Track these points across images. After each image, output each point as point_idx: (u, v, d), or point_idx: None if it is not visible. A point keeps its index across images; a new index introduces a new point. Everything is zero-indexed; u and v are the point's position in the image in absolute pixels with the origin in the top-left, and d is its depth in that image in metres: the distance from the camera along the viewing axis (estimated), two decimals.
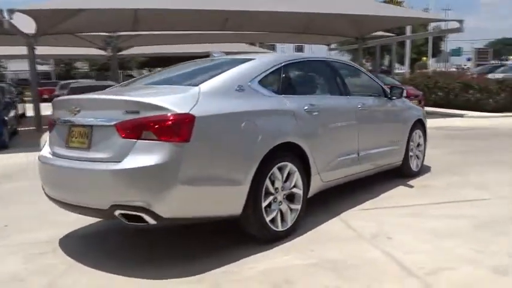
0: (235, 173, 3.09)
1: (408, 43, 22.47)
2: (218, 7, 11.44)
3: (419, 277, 2.78)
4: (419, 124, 5.63)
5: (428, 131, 5.94)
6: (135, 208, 2.80)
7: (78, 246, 3.57)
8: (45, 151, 3.49)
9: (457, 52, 47.08)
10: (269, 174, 3.29)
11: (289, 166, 3.47)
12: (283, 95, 3.66)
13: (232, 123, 3.13)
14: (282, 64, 3.81)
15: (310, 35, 17.71)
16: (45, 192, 3.42)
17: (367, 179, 4.84)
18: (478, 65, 33.72)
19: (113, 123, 2.90)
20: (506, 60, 57.96)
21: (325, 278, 2.81)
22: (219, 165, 3.03)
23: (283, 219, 3.45)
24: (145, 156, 2.77)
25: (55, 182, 3.29)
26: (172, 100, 2.93)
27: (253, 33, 17.18)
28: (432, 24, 22.91)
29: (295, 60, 4.09)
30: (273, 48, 38.66)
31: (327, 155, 3.94)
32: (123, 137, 2.85)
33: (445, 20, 12.59)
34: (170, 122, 2.79)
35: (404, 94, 5.29)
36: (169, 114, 2.81)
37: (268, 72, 3.63)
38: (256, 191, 3.18)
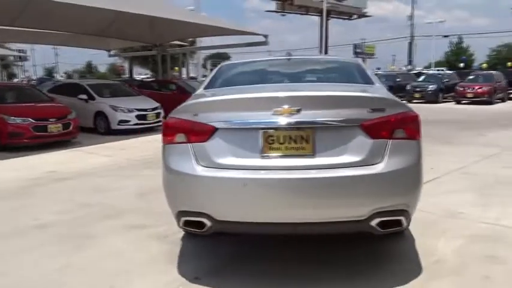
0: None
1: (200, 54, 23.65)
2: None
3: None
4: None
5: None
6: (398, 212, 2.61)
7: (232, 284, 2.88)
8: (197, 166, 2.66)
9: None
10: None
11: None
12: None
13: None
14: None
15: (92, 37, 16.51)
16: (216, 219, 2.63)
17: None
18: None
19: (356, 123, 2.59)
20: None
21: None
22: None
23: None
24: (402, 156, 2.62)
25: (257, 200, 2.58)
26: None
27: (43, 32, 14.79)
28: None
29: None
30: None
31: None
32: (374, 138, 2.59)
33: (253, 34, 13.97)
34: (415, 120, 2.72)
35: None
36: (411, 112, 2.73)
37: None
38: None
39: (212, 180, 2.62)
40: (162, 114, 11.96)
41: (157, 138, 10.61)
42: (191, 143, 2.71)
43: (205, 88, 3.31)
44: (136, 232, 3.89)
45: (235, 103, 2.76)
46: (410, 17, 45.79)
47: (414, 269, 2.95)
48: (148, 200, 4.94)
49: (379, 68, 50.68)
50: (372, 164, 2.57)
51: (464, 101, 19.77)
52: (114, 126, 11.06)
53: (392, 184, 2.59)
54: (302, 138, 2.60)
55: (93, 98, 11.53)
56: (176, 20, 12.78)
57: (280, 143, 2.61)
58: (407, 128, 2.67)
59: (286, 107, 2.57)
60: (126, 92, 12.87)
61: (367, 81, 3.27)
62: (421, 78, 23.08)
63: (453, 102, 20.38)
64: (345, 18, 43.59)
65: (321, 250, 3.34)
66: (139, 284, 2.92)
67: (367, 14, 43.38)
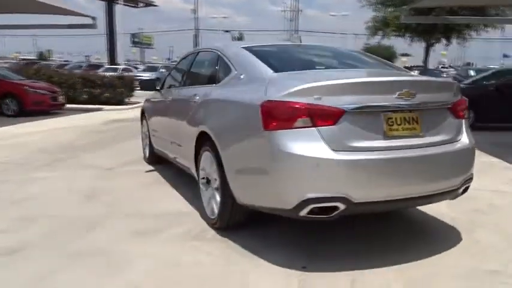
0: None
1: None
2: None
3: None
4: None
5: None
6: (471, 179, 3.13)
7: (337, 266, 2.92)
8: (331, 150, 2.62)
9: None
10: None
11: None
12: None
13: None
14: None
15: None
16: (353, 201, 2.64)
17: None
18: None
19: (447, 105, 2.98)
20: None
21: None
22: None
23: None
24: (469, 133, 3.17)
25: (378, 179, 2.70)
26: None
27: None
28: None
29: None
30: None
31: None
32: (456, 117, 3.05)
33: (80, 15, 12.34)
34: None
35: None
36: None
37: None
38: None
39: (350, 163, 2.64)
40: None
41: None
42: (317, 126, 2.64)
43: (276, 72, 3.10)
44: (155, 238, 3.38)
45: (361, 86, 2.81)
46: (194, 11, 47.91)
47: (450, 227, 3.55)
48: (107, 204, 4.25)
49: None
50: (457, 141, 3.03)
51: None
52: None
53: (472, 156, 3.12)
54: (413, 120, 2.86)
55: None
56: None
57: (398, 124, 2.81)
58: (466, 109, 3.21)
59: (407, 90, 2.78)
60: None
61: (398, 68, 3.70)
62: None
63: None
64: (131, 6, 42.37)
65: (367, 229, 3.57)
66: (257, 280, 2.68)
67: (154, 4, 43.23)
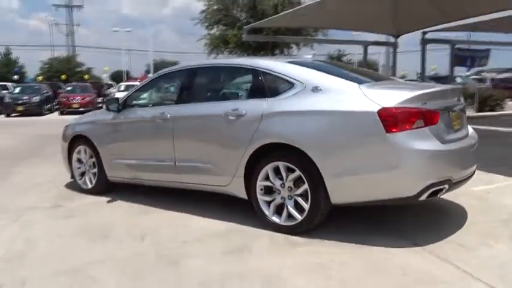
0: None
1: None
2: None
3: None
4: None
5: None
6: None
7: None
8: (440, 144, 3.33)
9: None
10: None
11: None
12: None
13: None
14: None
15: None
16: (453, 182, 3.40)
17: None
18: None
19: (463, 105, 4.02)
20: None
21: None
22: None
23: None
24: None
25: (460, 163, 3.55)
26: None
27: None
28: None
29: None
30: None
31: None
32: (464, 114, 4.09)
33: None
34: None
35: None
36: None
37: None
38: None
39: (454, 152, 3.46)
40: None
41: None
42: (427, 126, 3.30)
43: (361, 84, 3.54)
44: (256, 253, 3.38)
45: (444, 93, 3.64)
46: None
47: (450, 199, 4.50)
48: (136, 240, 3.82)
49: None
50: (470, 132, 4.04)
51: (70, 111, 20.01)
52: None
53: None
54: (458, 117, 3.79)
55: None
56: None
57: (455, 121, 3.69)
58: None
59: (459, 95, 3.71)
60: None
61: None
62: (17, 89, 21.87)
63: (57, 113, 20.82)
64: None
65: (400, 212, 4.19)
66: (405, 262, 3.11)
67: None
